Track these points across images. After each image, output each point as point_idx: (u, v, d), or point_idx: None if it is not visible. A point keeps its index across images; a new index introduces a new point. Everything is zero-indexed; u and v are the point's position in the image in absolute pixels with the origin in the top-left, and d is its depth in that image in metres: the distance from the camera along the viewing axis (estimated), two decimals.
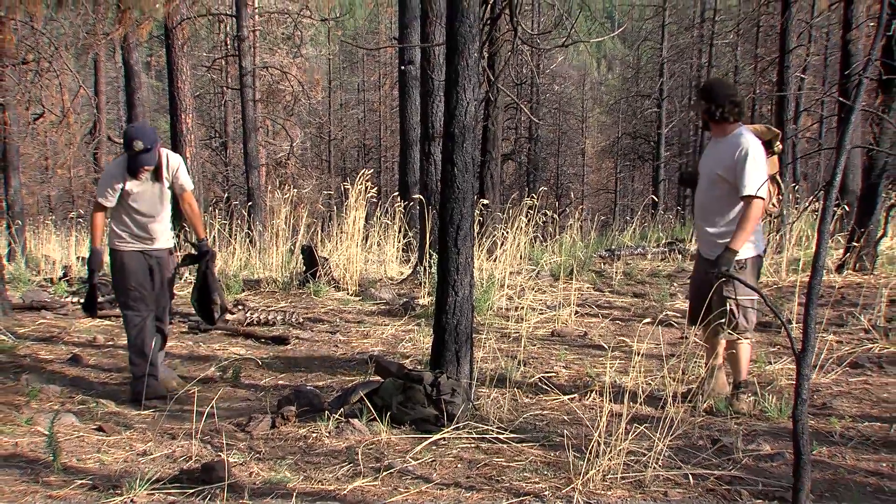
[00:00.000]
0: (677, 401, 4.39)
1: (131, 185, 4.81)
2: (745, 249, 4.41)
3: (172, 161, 4.95)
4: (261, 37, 22.06)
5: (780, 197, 4.69)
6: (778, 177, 4.72)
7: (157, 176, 4.87)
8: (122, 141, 4.97)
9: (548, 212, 10.11)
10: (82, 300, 7.57)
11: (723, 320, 4.47)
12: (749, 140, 4.39)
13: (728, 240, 4.37)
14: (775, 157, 4.67)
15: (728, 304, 4.45)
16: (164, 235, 5.03)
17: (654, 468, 3.53)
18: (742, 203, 4.36)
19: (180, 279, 8.53)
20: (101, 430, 4.17)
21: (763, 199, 4.34)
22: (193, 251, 5.18)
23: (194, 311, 5.45)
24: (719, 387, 4.69)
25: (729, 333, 4.49)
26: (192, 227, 5.19)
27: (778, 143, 4.67)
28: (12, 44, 12.16)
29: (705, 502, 3.33)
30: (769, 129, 4.67)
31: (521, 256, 9.54)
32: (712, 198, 4.53)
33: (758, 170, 4.30)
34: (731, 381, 4.73)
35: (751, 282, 4.41)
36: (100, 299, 7.45)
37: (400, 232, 9.93)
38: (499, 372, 5.11)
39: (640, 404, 4.32)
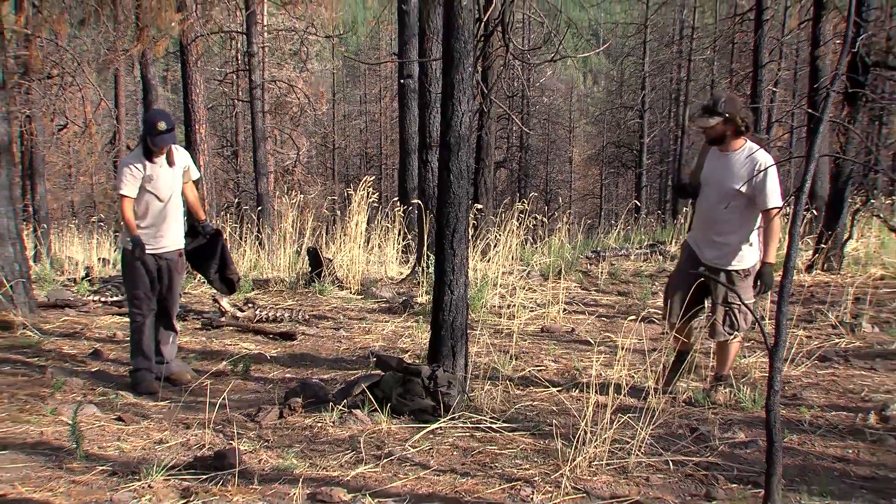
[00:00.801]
0: (658, 392, 4.40)
1: (150, 170, 4.83)
2: (751, 258, 4.42)
3: (182, 150, 5.09)
4: (269, 52, 22.01)
5: None
6: None
7: (169, 160, 4.92)
8: (143, 125, 4.99)
9: (537, 216, 10.08)
10: (103, 298, 7.60)
11: (717, 320, 4.47)
12: (763, 153, 4.35)
13: (740, 248, 4.38)
14: None
15: (731, 308, 4.45)
16: (176, 230, 5.03)
17: (637, 455, 3.54)
18: (758, 214, 4.34)
19: (193, 278, 8.52)
20: (120, 419, 4.16)
21: (781, 208, 4.35)
22: (199, 231, 5.20)
23: (215, 286, 5.44)
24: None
25: (731, 333, 4.49)
26: (194, 211, 5.23)
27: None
28: (38, 60, 12.14)
29: (684, 487, 3.34)
30: (759, 138, 4.68)
31: (512, 257, 9.54)
32: (725, 210, 4.39)
33: (776, 182, 4.29)
34: (714, 373, 4.73)
35: (751, 285, 4.42)
36: (116, 298, 7.50)
37: (399, 235, 9.91)
38: (492, 366, 5.11)
39: (624, 396, 4.31)
